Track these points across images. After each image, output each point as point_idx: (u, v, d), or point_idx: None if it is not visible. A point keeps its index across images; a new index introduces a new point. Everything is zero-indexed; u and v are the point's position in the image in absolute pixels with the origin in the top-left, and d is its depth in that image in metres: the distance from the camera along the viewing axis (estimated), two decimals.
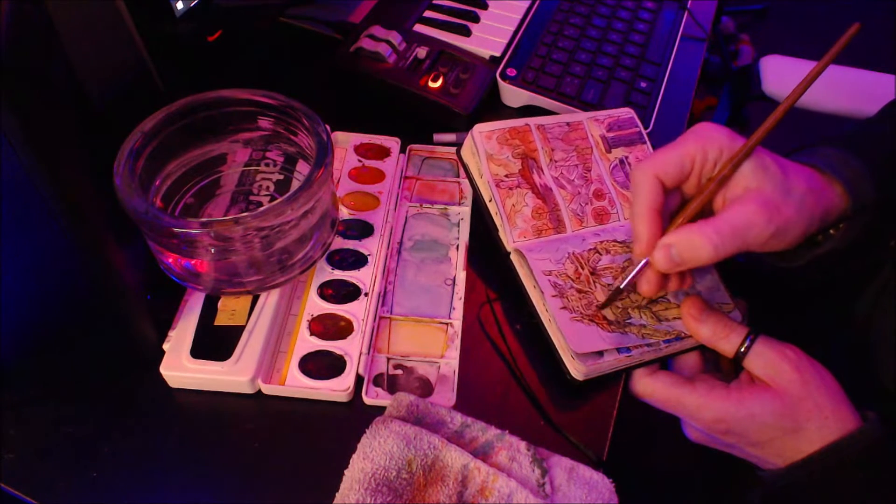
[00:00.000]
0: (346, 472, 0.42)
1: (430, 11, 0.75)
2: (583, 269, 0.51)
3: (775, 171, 0.42)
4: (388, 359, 0.50)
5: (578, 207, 0.55)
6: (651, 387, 0.47)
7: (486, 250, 0.55)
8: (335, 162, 0.61)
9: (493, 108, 0.70)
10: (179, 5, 0.59)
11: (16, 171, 0.37)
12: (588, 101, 0.68)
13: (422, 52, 0.69)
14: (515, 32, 0.74)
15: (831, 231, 0.47)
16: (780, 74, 1.08)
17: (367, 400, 0.47)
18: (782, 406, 0.43)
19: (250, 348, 0.48)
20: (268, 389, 0.48)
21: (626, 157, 0.58)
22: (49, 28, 0.40)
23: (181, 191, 0.52)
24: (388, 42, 0.68)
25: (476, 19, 0.76)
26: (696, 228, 0.41)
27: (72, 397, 0.48)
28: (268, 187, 0.55)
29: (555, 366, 0.48)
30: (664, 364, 0.49)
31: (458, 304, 0.53)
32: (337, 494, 0.42)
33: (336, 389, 0.47)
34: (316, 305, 0.51)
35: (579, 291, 0.50)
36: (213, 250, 0.46)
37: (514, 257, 0.52)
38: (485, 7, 0.77)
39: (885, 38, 1.95)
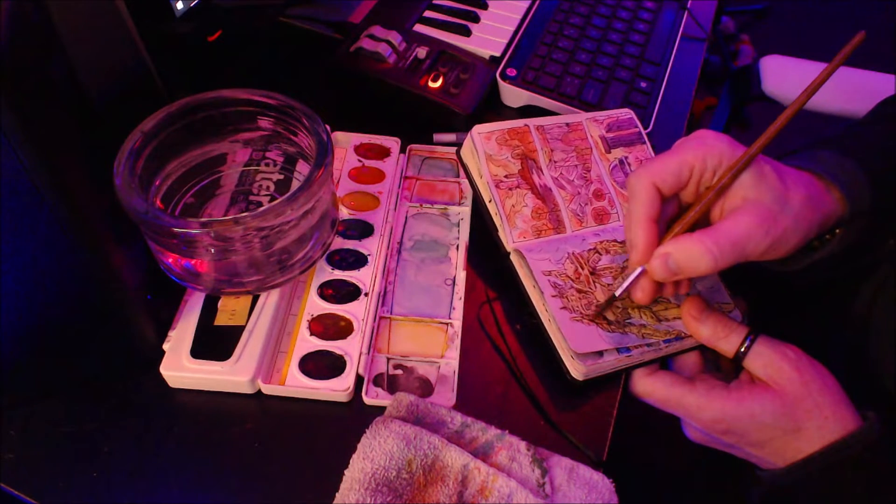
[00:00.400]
0: (346, 472, 0.42)
1: (430, 11, 0.75)
2: (582, 269, 0.51)
3: (774, 180, 0.42)
4: (388, 359, 0.50)
5: (578, 208, 0.55)
6: (651, 387, 0.47)
7: (486, 250, 0.55)
8: (335, 162, 0.61)
9: (493, 108, 0.70)
10: (179, 5, 0.59)
11: (16, 171, 0.37)
12: (588, 101, 0.68)
13: (422, 52, 0.69)
14: (515, 32, 0.74)
15: (828, 236, 0.47)
16: (780, 74, 1.08)
17: (367, 400, 0.47)
18: (782, 406, 0.43)
19: (250, 348, 0.48)
20: (268, 389, 0.48)
21: (626, 158, 0.58)
22: (49, 28, 0.40)
23: (181, 191, 0.52)
24: (388, 42, 0.68)
25: (476, 19, 0.76)
26: (695, 239, 0.41)
27: (72, 397, 0.48)
28: (268, 187, 0.55)
29: (555, 366, 0.48)
30: (664, 364, 0.49)
31: (458, 304, 0.53)
32: (337, 494, 0.42)
33: (336, 389, 0.47)
34: (316, 305, 0.52)
35: (579, 291, 0.50)
36: (213, 250, 0.46)
37: (513, 257, 0.52)
38: (485, 7, 0.77)
39: (886, 38, 1.95)
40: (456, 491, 0.42)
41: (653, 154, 0.59)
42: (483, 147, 0.54)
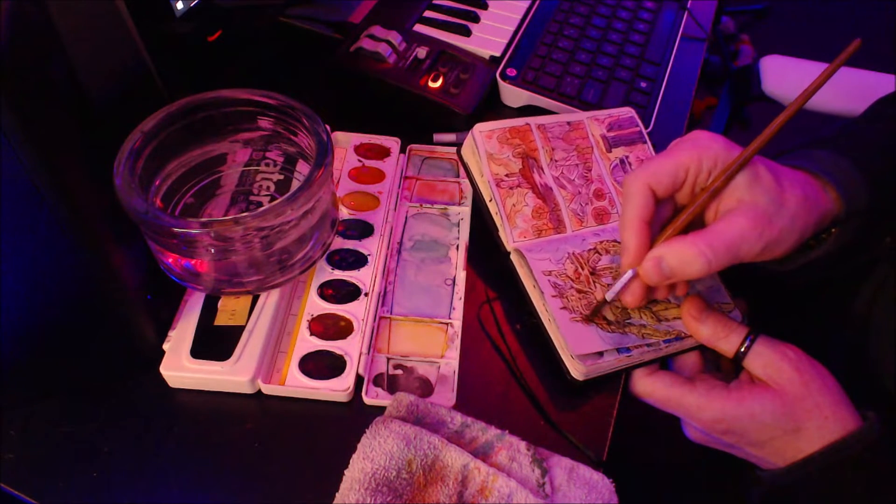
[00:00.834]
0: (346, 472, 0.42)
1: (430, 11, 0.75)
2: (583, 269, 0.51)
3: (769, 181, 0.42)
4: (388, 359, 0.50)
5: (578, 207, 0.55)
6: (651, 387, 0.47)
7: (486, 250, 0.55)
8: (335, 162, 0.61)
9: (493, 108, 0.70)
10: (179, 5, 0.59)
11: (16, 171, 0.37)
12: (588, 101, 0.68)
13: (422, 52, 0.69)
14: (515, 32, 0.74)
15: (824, 235, 0.47)
16: (780, 74, 1.08)
17: (367, 400, 0.47)
18: (782, 406, 0.43)
19: (250, 348, 0.48)
20: (268, 389, 0.48)
21: (627, 157, 0.58)
22: (49, 28, 0.40)
23: (181, 191, 0.52)
24: (388, 42, 0.68)
25: (476, 19, 0.76)
26: (688, 242, 0.41)
27: (72, 397, 0.48)
28: (268, 187, 0.55)
29: (555, 366, 0.48)
30: (664, 364, 0.49)
31: (458, 304, 0.53)
32: (337, 494, 0.42)
33: (336, 389, 0.47)
34: (316, 305, 0.52)
35: (579, 292, 0.50)
36: (213, 250, 0.46)
37: (513, 257, 0.52)
38: (485, 7, 0.77)
39: (886, 38, 1.94)
40: (456, 491, 0.42)
41: (653, 154, 0.59)
42: (484, 146, 0.54)
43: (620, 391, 0.50)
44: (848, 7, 2.24)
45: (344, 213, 0.57)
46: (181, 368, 0.47)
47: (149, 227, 0.44)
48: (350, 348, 0.49)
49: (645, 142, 0.60)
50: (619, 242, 0.54)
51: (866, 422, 0.42)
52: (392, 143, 0.63)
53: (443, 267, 0.56)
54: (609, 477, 0.44)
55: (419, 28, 0.73)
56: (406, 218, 0.59)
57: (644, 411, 0.48)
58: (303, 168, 0.55)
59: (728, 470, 0.52)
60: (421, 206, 0.60)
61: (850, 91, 1.01)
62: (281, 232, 0.46)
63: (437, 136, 0.66)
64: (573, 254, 0.52)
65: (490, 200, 0.54)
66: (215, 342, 0.48)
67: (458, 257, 0.56)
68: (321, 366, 0.48)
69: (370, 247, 0.55)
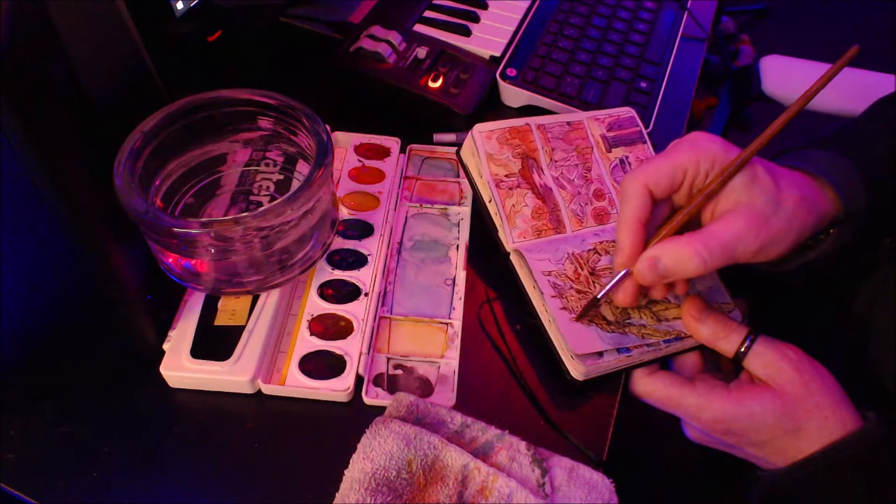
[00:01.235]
0: (346, 472, 0.42)
1: (430, 11, 0.75)
2: (582, 269, 0.51)
3: (767, 182, 0.42)
4: (388, 359, 0.50)
5: (578, 208, 0.55)
6: (651, 387, 0.47)
7: (486, 250, 0.55)
8: (335, 162, 0.61)
9: (493, 108, 0.70)
10: (179, 5, 0.59)
11: (16, 171, 0.37)
12: (588, 101, 0.68)
13: (422, 52, 0.69)
14: (515, 32, 0.74)
15: (822, 236, 0.47)
16: (780, 74, 1.08)
17: (367, 400, 0.47)
18: (782, 406, 0.43)
19: (250, 348, 0.48)
20: (268, 389, 0.48)
21: (627, 157, 0.58)
22: (49, 28, 0.40)
23: (181, 191, 0.52)
24: (388, 42, 0.68)
25: (476, 19, 0.76)
26: (683, 242, 0.41)
27: (72, 397, 0.48)
28: (268, 187, 0.55)
29: (555, 366, 0.48)
30: (664, 364, 0.49)
31: (458, 304, 0.53)
32: (337, 494, 0.42)
33: (336, 389, 0.47)
34: (316, 305, 0.52)
35: (579, 292, 0.50)
36: (213, 250, 0.46)
37: (513, 257, 0.52)
38: (485, 7, 0.77)
39: (886, 38, 1.94)
40: (456, 491, 0.42)
41: (653, 154, 0.59)
42: (484, 146, 0.54)
43: (620, 391, 0.50)
44: (848, 7, 2.24)
45: (344, 213, 0.57)
46: (181, 368, 0.47)
47: (149, 227, 0.44)
48: (350, 348, 0.49)
49: (645, 142, 0.60)
50: None
51: (866, 422, 0.42)
52: (392, 143, 0.63)
53: (443, 267, 0.56)
54: (609, 477, 0.44)
55: (419, 28, 0.73)
56: (406, 218, 0.59)
57: (644, 411, 0.48)
58: (303, 168, 0.55)
59: (728, 470, 0.52)
60: (421, 206, 0.60)
61: (849, 91, 1.01)
62: (281, 232, 0.46)
63: (437, 136, 0.66)
64: (573, 254, 0.52)
65: (490, 201, 0.54)
66: (215, 342, 0.48)
67: (458, 257, 0.56)
68: (321, 366, 0.48)
69: (370, 247, 0.55)
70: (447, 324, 0.52)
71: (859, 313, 0.54)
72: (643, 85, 0.71)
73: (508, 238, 0.52)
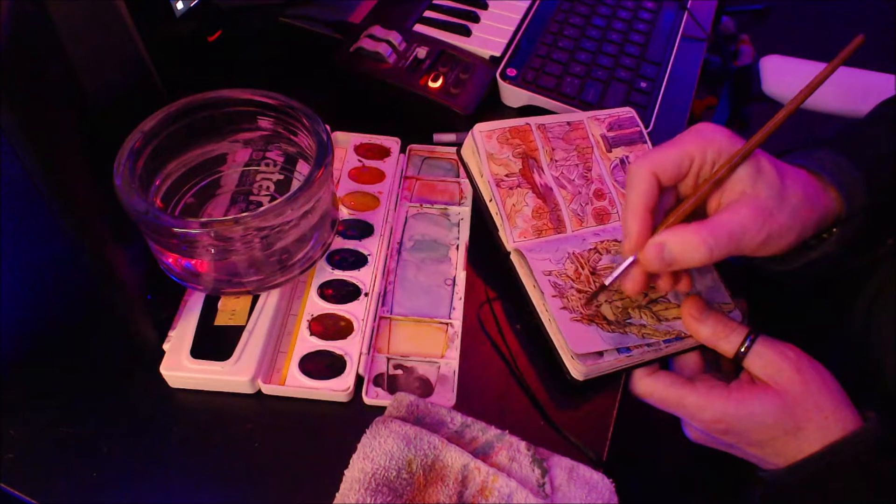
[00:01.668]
0: (346, 472, 0.42)
1: (430, 11, 0.75)
2: (583, 269, 0.51)
3: (772, 175, 0.42)
4: (388, 359, 0.50)
5: (579, 207, 0.55)
6: (651, 387, 0.47)
7: (486, 250, 0.55)
8: (335, 162, 0.61)
9: (493, 108, 0.70)
10: (179, 5, 0.59)
11: (16, 171, 0.37)
12: (588, 101, 0.68)
13: (422, 52, 0.69)
14: (515, 32, 0.74)
15: (825, 235, 0.47)
16: (780, 74, 1.08)
17: (367, 400, 0.47)
18: (783, 406, 0.43)
19: (250, 348, 0.48)
20: (268, 389, 0.48)
21: (627, 157, 0.58)
22: (49, 28, 0.40)
23: (181, 191, 0.52)
24: (388, 42, 0.68)
25: (476, 19, 0.76)
26: (691, 229, 0.41)
27: (72, 397, 0.48)
28: (268, 187, 0.55)
29: (555, 366, 0.48)
30: (664, 364, 0.49)
31: (458, 304, 0.53)
32: (337, 494, 0.42)
33: (336, 389, 0.47)
34: (316, 305, 0.51)
35: (579, 291, 0.50)
36: (213, 250, 0.46)
37: (514, 257, 0.52)
38: (485, 7, 0.77)
39: (885, 37, 1.94)
40: (456, 491, 0.42)
41: None
42: (484, 146, 0.54)
43: (620, 391, 0.50)
44: (848, 7, 2.24)
45: (344, 213, 0.57)
46: (181, 368, 0.47)
47: (149, 227, 0.44)
48: (350, 348, 0.49)
49: (645, 142, 0.60)
50: (619, 242, 0.54)
51: (867, 422, 0.42)
52: (392, 143, 0.63)
53: (443, 267, 0.56)
54: (609, 477, 0.44)
55: (419, 28, 0.73)
56: (406, 218, 0.59)
57: (644, 411, 0.48)
58: (303, 168, 0.55)
59: (728, 470, 0.52)
60: (421, 206, 0.60)
61: (850, 91, 1.01)
62: (281, 232, 0.46)
63: (437, 136, 0.66)
64: (573, 254, 0.52)
65: (490, 200, 0.54)
66: (215, 342, 0.48)
67: (458, 257, 0.56)
68: (321, 366, 0.48)
69: (370, 247, 0.55)
70: (447, 324, 0.52)
71: (859, 313, 0.54)
72: (643, 85, 0.71)
73: (509, 238, 0.52)
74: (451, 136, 0.66)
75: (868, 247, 0.50)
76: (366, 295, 0.52)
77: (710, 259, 0.41)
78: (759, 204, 0.41)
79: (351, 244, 0.55)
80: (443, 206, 0.60)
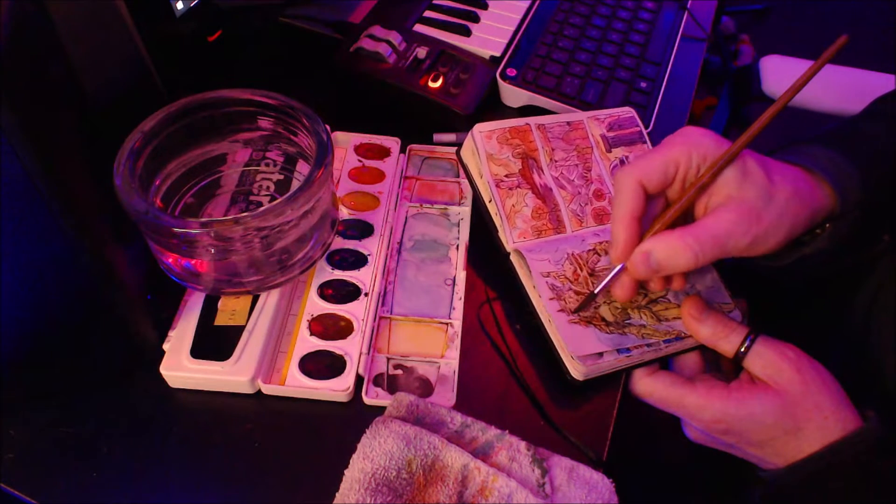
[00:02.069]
0: (346, 472, 0.42)
1: (430, 11, 0.75)
2: (581, 270, 0.51)
3: (759, 176, 0.42)
4: (388, 359, 0.50)
5: (578, 208, 0.55)
6: (651, 387, 0.47)
7: (486, 250, 0.55)
8: (335, 162, 0.61)
9: (493, 108, 0.70)
10: (179, 5, 0.59)
11: (16, 171, 0.37)
12: (588, 101, 0.68)
13: (422, 52, 0.69)
14: (515, 32, 0.74)
15: (818, 231, 0.47)
16: (780, 74, 1.08)
17: (367, 400, 0.47)
18: (782, 406, 0.43)
19: (250, 348, 0.48)
20: (268, 389, 0.48)
21: (627, 157, 0.58)
22: (49, 28, 0.40)
23: (181, 191, 0.52)
24: (388, 42, 0.68)
25: (476, 19, 0.76)
26: (676, 235, 0.42)
27: (72, 397, 0.48)
28: (268, 187, 0.55)
29: (555, 366, 0.48)
30: (664, 364, 0.49)
31: (458, 304, 0.53)
32: (337, 494, 0.42)
33: (336, 389, 0.47)
34: (316, 305, 0.51)
35: (577, 293, 0.50)
36: (213, 250, 0.46)
37: (513, 258, 0.52)
38: (485, 7, 0.77)
39: (885, 37, 1.94)
40: (456, 491, 0.42)
41: None
42: (484, 146, 0.54)
43: (620, 391, 0.50)
44: (848, 7, 2.24)
45: (344, 213, 0.57)
46: (181, 368, 0.47)
47: (149, 227, 0.44)
48: (350, 348, 0.49)
49: (645, 142, 0.60)
50: None
51: (867, 422, 0.42)
52: (392, 143, 0.63)
53: (443, 267, 0.56)
54: (609, 477, 0.44)
55: (419, 28, 0.73)
56: (406, 218, 0.59)
57: (644, 411, 0.48)
58: (303, 168, 0.55)
59: (728, 470, 0.52)
60: (421, 206, 0.60)
61: (849, 91, 1.01)
62: (281, 232, 0.46)
63: (437, 136, 0.66)
64: (572, 254, 0.52)
65: (490, 201, 0.54)
66: (215, 342, 0.48)
67: (458, 257, 0.56)
68: (321, 366, 0.48)
69: (370, 247, 0.55)
70: (447, 324, 0.52)
71: (859, 313, 0.54)
72: (643, 85, 0.71)
73: (509, 238, 0.52)
74: (451, 136, 0.66)
75: (863, 243, 0.50)
76: (366, 295, 0.52)
77: (696, 264, 0.41)
78: (745, 206, 0.41)
79: (351, 244, 0.55)
80: (443, 206, 0.60)
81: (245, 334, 0.48)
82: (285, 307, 0.52)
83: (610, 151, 0.58)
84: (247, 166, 0.55)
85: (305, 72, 0.73)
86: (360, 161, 0.62)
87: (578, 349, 0.47)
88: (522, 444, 0.45)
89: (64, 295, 0.44)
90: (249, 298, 0.50)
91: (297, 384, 0.48)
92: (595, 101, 0.68)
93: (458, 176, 0.62)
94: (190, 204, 0.52)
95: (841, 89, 1.02)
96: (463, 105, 0.66)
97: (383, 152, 0.63)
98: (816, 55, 0.41)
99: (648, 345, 0.48)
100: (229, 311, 0.50)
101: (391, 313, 0.52)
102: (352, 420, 0.47)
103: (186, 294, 0.51)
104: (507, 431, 0.45)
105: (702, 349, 0.49)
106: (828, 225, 0.47)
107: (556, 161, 0.56)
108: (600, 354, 0.47)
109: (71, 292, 0.44)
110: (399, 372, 0.49)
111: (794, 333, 0.46)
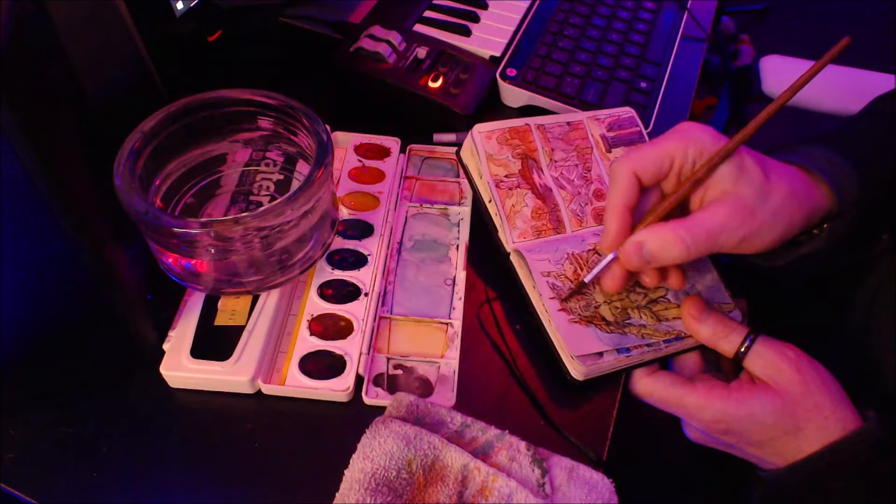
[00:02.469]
0: (346, 472, 0.42)
1: (430, 11, 0.75)
2: (581, 270, 0.51)
3: (756, 174, 0.42)
4: (388, 359, 0.50)
5: (578, 208, 0.55)
6: (651, 387, 0.47)
7: (486, 250, 0.55)
8: (335, 162, 0.61)
9: (493, 108, 0.70)
10: (179, 5, 0.59)
11: (16, 171, 0.37)
12: (588, 101, 0.68)
13: (422, 52, 0.69)
14: (515, 32, 0.74)
15: (815, 231, 0.47)
16: (780, 74, 1.08)
17: (367, 400, 0.47)
18: (782, 406, 0.43)
19: (250, 348, 0.48)
20: (268, 389, 0.48)
21: None
22: (49, 28, 0.40)
23: (181, 191, 0.52)
24: (388, 42, 0.68)
25: (476, 19, 0.76)
26: (668, 227, 0.42)
27: (72, 397, 0.48)
28: (268, 187, 0.55)
29: (555, 366, 0.48)
30: (664, 364, 0.49)
31: (458, 304, 0.53)
32: (337, 494, 0.42)
33: (336, 389, 0.47)
34: (316, 305, 0.51)
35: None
36: (213, 250, 0.46)
37: (513, 258, 0.52)
38: (485, 7, 0.77)
39: (885, 37, 1.95)
40: (456, 491, 0.42)
41: None
42: (484, 146, 0.54)
43: (620, 391, 0.50)
44: (848, 7, 2.24)
45: (344, 213, 0.57)
46: (181, 368, 0.47)
47: (149, 227, 0.44)
48: (350, 348, 0.49)
49: (645, 142, 0.60)
50: None
51: (867, 422, 0.42)
52: (392, 143, 0.63)
53: (443, 267, 0.56)
54: (609, 477, 0.44)
55: (419, 28, 0.73)
56: (406, 218, 0.59)
57: (644, 411, 0.48)
58: (303, 168, 0.55)
59: (728, 470, 0.52)
60: (421, 206, 0.60)
61: (849, 91, 1.01)
62: (281, 232, 0.46)
63: (437, 136, 0.66)
64: (572, 254, 0.52)
65: (489, 201, 0.54)
66: (215, 342, 0.48)
67: (458, 257, 0.56)
68: (321, 366, 0.48)
69: (370, 247, 0.55)
70: (447, 324, 0.52)
71: (859, 312, 0.54)
72: (643, 85, 0.71)
73: (508, 238, 0.52)
74: (451, 136, 0.66)
75: (861, 243, 0.50)
76: (366, 295, 0.52)
77: (687, 256, 0.42)
78: (740, 202, 0.41)
79: (351, 244, 0.55)
80: (443, 206, 0.60)
81: (245, 334, 0.48)
82: (285, 307, 0.52)
83: (610, 151, 0.58)
84: (247, 166, 0.55)
85: (305, 72, 0.73)
86: (360, 161, 0.62)
87: (578, 349, 0.47)
88: (522, 444, 0.45)
89: (64, 295, 0.44)
90: (249, 298, 0.51)
91: (297, 384, 0.48)
92: (595, 101, 0.68)
93: (458, 176, 0.62)
94: (190, 204, 0.52)
95: (840, 89, 1.02)
96: (463, 105, 0.66)
97: (383, 152, 0.63)
98: (816, 55, 0.41)
99: (648, 345, 0.48)
100: (229, 311, 0.50)
101: (391, 313, 0.52)
102: (352, 420, 0.47)
103: (186, 294, 0.51)
104: (507, 431, 0.45)
105: (702, 349, 0.49)
106: (825, 225, 0.47)
107: (555, 161, 0.56)
108: (600, 354, 0.47)
109: (71, 292, 0.44)
110: (399, 372, 0.49)
111: (794, 333, 0.46)
